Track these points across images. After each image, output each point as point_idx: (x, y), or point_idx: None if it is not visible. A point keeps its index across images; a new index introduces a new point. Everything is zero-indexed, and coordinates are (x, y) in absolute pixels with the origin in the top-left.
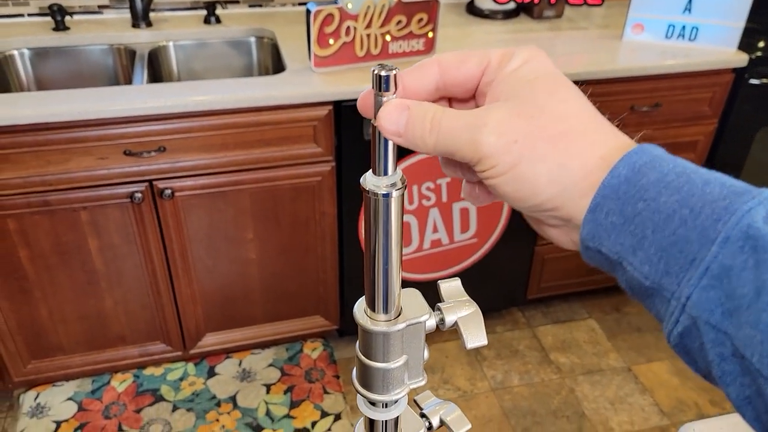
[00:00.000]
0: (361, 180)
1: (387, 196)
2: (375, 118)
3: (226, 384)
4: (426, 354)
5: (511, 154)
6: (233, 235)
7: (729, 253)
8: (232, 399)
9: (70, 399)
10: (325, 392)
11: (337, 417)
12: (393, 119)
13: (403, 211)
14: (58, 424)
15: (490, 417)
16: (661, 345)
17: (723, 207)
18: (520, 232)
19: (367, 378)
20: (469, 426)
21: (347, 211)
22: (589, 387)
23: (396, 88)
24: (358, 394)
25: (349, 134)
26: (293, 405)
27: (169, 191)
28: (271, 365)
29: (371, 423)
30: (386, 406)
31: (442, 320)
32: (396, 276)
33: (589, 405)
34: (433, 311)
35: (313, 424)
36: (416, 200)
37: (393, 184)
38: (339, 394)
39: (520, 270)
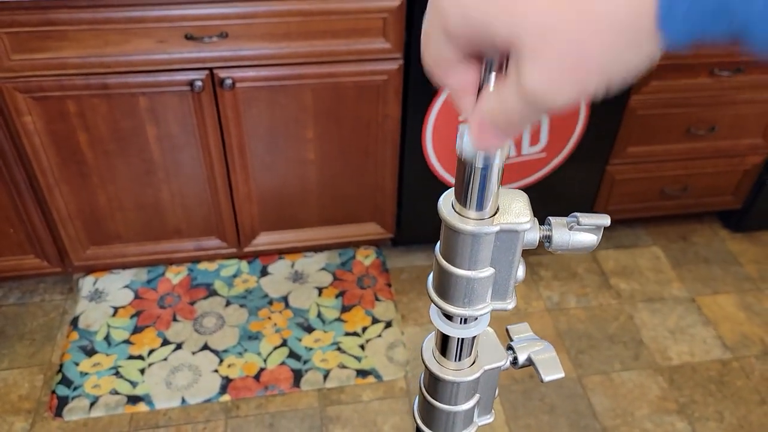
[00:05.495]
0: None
1: None
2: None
3: (278, 284)
4: (521, 272)
5: None
6: (293, 134)
7: None
8: (284, 299)
9: (126, 287)
10: (377, 299)
11: (388, 324)
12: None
13: None
14: (116, 309)
15: (543, 336)
16: (729, 278)
17: None
18: (593, 149)
19: (446, 286)
20: (562, 375)
21: (412, 115)
22: (649, 315)
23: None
24: (432, 304)
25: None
26: (344, 309)
27: (229, 81)
28: (323, 269)
29: (444, 339)
30: (465, 322)
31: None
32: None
33: (648, 333)
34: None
35: (364, 329)
36: None
37: None
38: (390, 302)
39: (587, 190)
